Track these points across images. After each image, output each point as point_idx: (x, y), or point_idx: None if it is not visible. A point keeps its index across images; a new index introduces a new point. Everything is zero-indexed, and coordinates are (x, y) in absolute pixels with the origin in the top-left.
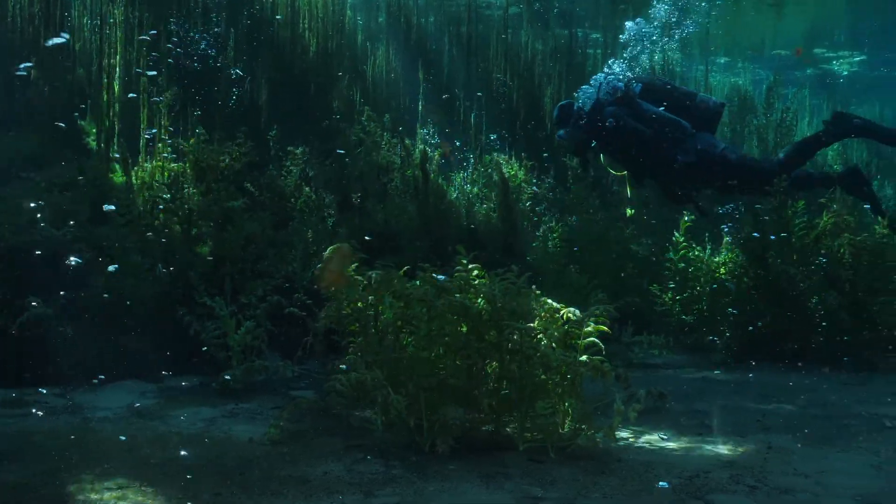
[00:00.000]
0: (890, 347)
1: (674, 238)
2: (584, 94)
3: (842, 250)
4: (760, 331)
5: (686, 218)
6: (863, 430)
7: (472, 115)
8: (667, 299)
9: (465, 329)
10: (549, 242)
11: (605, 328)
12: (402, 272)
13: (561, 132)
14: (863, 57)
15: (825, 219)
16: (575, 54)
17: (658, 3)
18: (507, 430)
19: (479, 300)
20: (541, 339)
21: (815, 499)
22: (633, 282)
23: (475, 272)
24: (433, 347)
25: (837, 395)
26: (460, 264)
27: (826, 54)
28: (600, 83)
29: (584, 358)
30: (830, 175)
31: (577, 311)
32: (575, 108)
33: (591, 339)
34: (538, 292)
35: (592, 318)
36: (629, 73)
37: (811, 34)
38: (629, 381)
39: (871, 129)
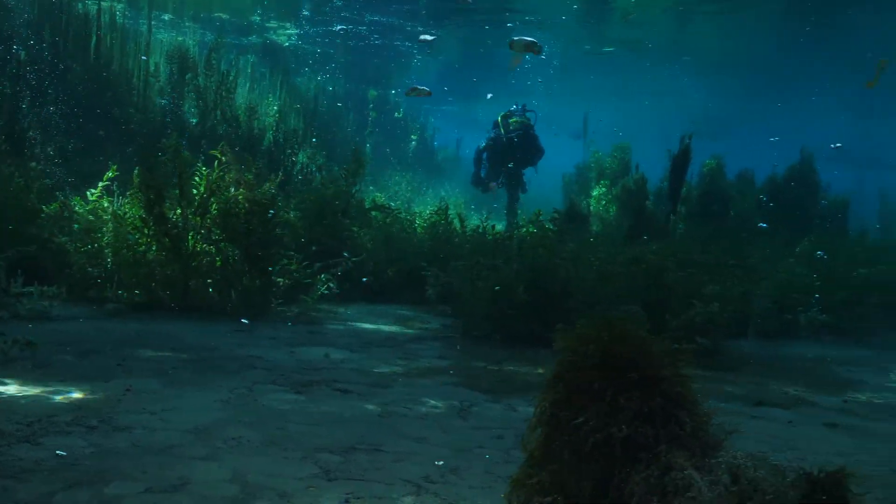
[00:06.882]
0: (281, 296)
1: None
2: None
3: (239, 205)
4: (161, 283)
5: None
6: (231, 370)
7: None
8: (70, 251)
9: None
10: None
11: None
12: None
13: None
14: (297, 31)
15: (216, 170)
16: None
17: None
18: None
19: None
20: None
21: (151, 434)
22: (31, 232)
23: None
24: None
25: (223, 341)
26: None
27: (267, 24)
28: None
29: None
30: None
31: None
32: None
33: None
34: None
35: None
36: None
37: (255, 3)
38: None
39: None
